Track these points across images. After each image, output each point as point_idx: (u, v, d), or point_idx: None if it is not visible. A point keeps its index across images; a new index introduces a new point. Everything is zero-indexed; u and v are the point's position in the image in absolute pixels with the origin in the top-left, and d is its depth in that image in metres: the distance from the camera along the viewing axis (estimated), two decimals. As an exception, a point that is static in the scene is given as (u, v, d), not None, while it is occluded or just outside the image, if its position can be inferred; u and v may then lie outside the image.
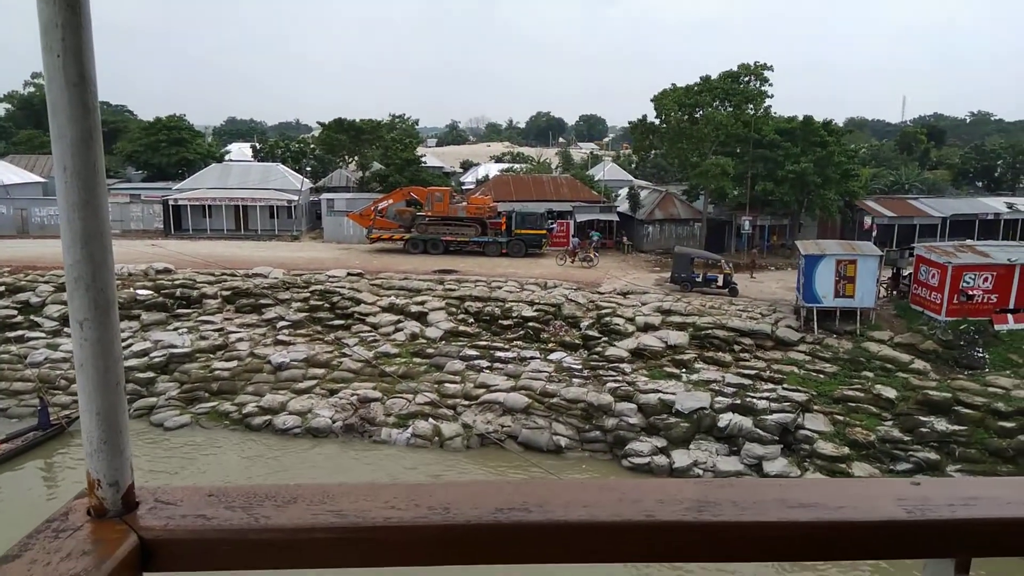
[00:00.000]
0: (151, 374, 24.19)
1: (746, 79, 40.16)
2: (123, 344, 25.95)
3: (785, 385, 22.72)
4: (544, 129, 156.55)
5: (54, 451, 20.88)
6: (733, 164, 38.13)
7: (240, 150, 70.15)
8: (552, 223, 40.33)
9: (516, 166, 66.92)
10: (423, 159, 55.97)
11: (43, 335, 26.21)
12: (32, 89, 79.82)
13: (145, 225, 40.98)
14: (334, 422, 21.99)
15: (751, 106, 40.20)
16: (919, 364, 23.45)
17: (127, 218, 41.12)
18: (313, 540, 0.99)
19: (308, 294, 29.17)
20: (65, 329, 26.53)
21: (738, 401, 21.83)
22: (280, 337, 26.47)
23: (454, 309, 28.41)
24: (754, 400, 21.82)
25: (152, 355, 24.95)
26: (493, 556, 1.01)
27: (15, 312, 27.14)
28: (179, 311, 28.02)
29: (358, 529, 0.99)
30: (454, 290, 29.77)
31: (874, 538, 1.04)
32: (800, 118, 40.34)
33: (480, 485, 1.11)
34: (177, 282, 29.33)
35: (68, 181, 0.95)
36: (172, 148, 53.87)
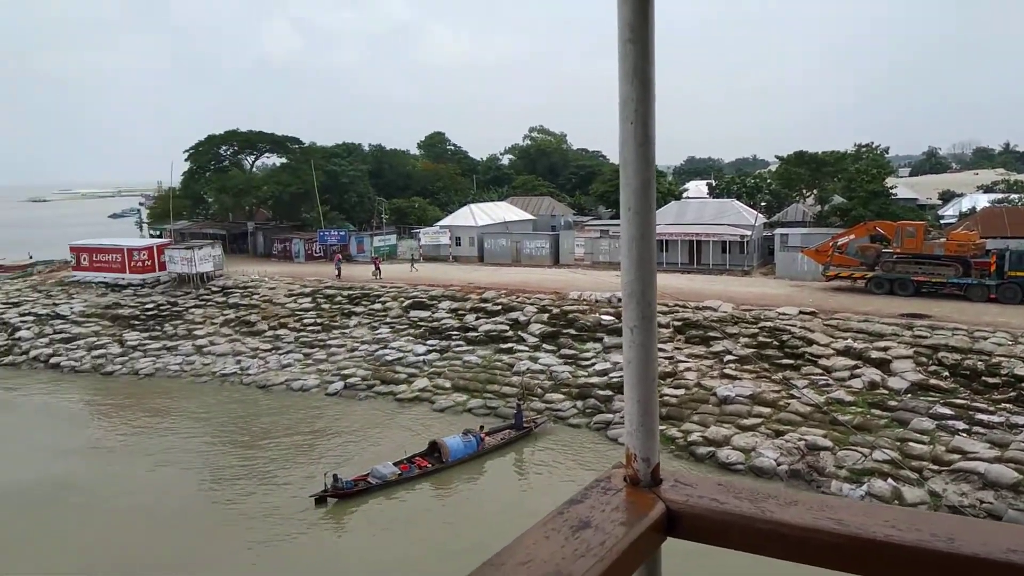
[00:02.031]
0: (609, 392, 26.50)
1: None
2: (587, 363, 28.85)
3: None
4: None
5: (523, 446, 24.21)
6: None
7: (697, 187, 72.85)
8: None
9: (1013, 196, 56.71)
10: (893, 191, 51.09)
11: (526, 349, 30.70)
12: (529, 142, 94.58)
13: (611, 257, 45.11)
14: (779, 465, 21.28)
15: None
16: None
17: (597, 251, 45.86)
18: (815, 540, 1.10)
19: (756, 330, 28.85)
20: (544, 345, 30.70)
21: None
22: (726, 371, 26.66)
23: (924, 359, 25.23)
24: None
25: (611, 375, 27.33)
26: None
27: (507, 328, 32.34)
28: (635, 338, 30.13)
29: (858, 539, 1.07)
30: (925, 337, 26.45)
31: None
32: None
33: (988, 523, 1.11)
34: (710, 319, 31.27)
35: (631, 219, 1.20)
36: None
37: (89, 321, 38.89)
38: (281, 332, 35.50)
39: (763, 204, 55.73)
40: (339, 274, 41.40)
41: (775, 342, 27.87)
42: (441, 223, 53.33)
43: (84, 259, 44.54)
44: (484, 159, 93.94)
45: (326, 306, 37.23)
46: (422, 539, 18.32)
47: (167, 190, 65.04)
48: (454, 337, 32.48)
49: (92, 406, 30.37)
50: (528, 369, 29.03)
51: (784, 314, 29.81)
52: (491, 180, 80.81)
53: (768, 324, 29.07)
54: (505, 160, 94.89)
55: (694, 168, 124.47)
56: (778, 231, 43.65)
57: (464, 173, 80.00)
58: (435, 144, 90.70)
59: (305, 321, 36.07)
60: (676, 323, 30.40)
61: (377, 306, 36.32)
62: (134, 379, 33.06)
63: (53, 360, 35.27)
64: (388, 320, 35.00)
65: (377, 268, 41.54)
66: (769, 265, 42.74)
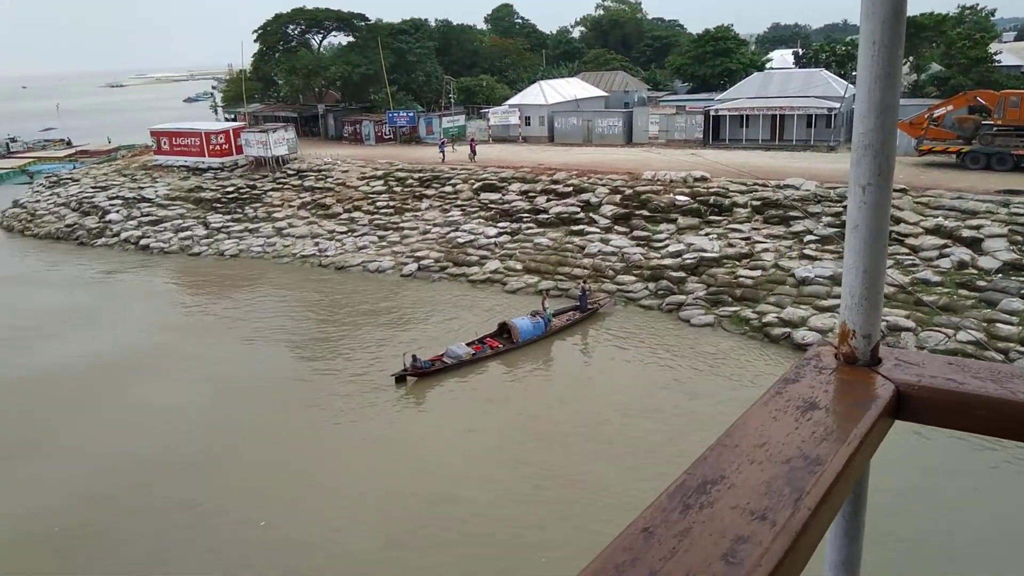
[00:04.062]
0: (682, 274, 26.23)
1: None
2: (660, 244, 28.51)
3: None
4: None
5: (589, 327, 24.48)
6: None
7: (782, 57, 68.52)
8: None
9: None
10: (997, 57, 46.96)
11: (598, 231, 30.41)
12: (601, 12, 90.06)
13: (687, 135, 43.52)
14: (856, 346, 20.91)
15: None
16: None
17: (672, 128, 44.22)
18: None
19: (840, 208, 27.70)
20: (616, 227, 30.35)
21: None
22: (806, 251, 25.92)
23: (1019, 238, 23.90)
24: None
25: (684, 257, 26.97)
26: None
27: (578, 209, 31.98)
28: (711, 218, 29.48)
29: None
30: (1022, 215, 24.94)
31: None
32: None
33: None
34: (712, 190, 30.75)
35: (875, 54, 1.05)
36: (717, 59, 55.56)
37: (174, 204, 40.35)
38: (356, 215, 36.10)
39: (854, 74, 52.16)
40: (444, 159, 40.03)
41: (859, 221, 26.74)
42: (510, 102, 52.09)
43: (164, 143, 45.66)
44: (554, 32, 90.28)
45: (397, 189, 37.47)
46: (497, 415, 19.04)
47: (238, 73, 65.29)
48: (525, 219, 32.39)
49: (183, 285, 32.02)
50: (600, 251, 28.88)
51: (870, 192, 28.42)
52: (561, 55, 77.86)
53: (892, 194, 27.76)
54: (576, 33, 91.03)
55: (778, 36, 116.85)
56: (868, 103, 40.94)
57: (533, 48, 77.25)
58: (503, 18, 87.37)
59: (378, 204, 36.49)
60: (755, 203, 29.46)
61: (447, 189, 36.34)
62: (220, 259, 34.52)
63: (143, 242, 37.03)
64: (459, 203, 35.05)
65: (473, 151, 40.00)
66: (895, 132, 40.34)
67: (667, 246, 28.04)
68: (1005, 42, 78.96)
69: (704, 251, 26.95)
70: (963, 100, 34.22)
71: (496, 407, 19.44)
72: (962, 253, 23.77)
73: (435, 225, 33.70)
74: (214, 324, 26.63)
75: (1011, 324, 20.35)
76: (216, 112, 67.98)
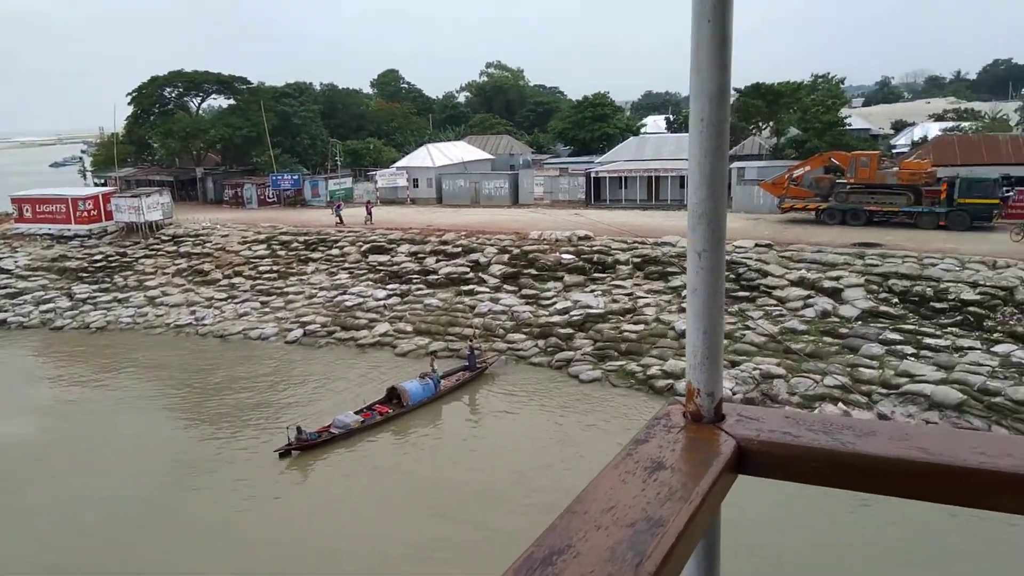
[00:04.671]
0: (570, 330, 26.69)
1: None
2: (548, 302, 29.02)
3: None
4: (1002, 79, 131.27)
5: (479, 386, 24.39)
6: None
7: (655, 123, 72.59)
8: (1009, 191, 33.89)
9: (963, 124, 57.58)
10: (847, 121, 51.45)
11: (487, 290, 30.62)
12: (486, 78, 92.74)
13: (571, 196, 44.92)
14: (734, 394, 21.77)
15: None
16: None
17: (556, 189, 45.56)
18: (900, 470, 1.05)
19: (715, 264, 29.11)
20: (505, 286, 30.67)
21: None
22: (684, 305, 26.92)
23: (875, 287, 25.82)
24: None
25: (571, 313, 27.49)
26: None
27: (468, 269, 32.16)
28: (596, 275, 30.32)
29: (948, 468, 1.03)
30: (876, 266, 27.01)
31: None
32: None
33: None
34: (595, 248, 31.70)
35: (704, 131, 1.08)
36: (595, 124, 58.09)
37: (35, 275, 37.70)
38: (236, 280, 34.85)
39: (720, 138, 55.63)
40: (341, 221, 39.17)
41: (732, 275, 28.21)
42: (397, 164, 52.34)
43: (27, 210, 42.86)
44: (440, 97, 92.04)
45: (282, 253, 36.57)
46: (385, 483, 18.47)
47: (110, 136, 62.59)
48: (414, 280, 32.24)
49: (44, 362, 29.68)
50: (490, 310, 29.03)
51: (740, 247, 30.12)
52: (447, 119, 79.32)
53: (726, 258, 29.26)
54: (462, 98, 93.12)
55: (651, 103, 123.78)
56: (735, 165, 43.79)
57: (420, 112, 78.34)
58: (389, 82, 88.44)
59: (261, 269, 35.42)
60: (635, 259, 30.57)
61: (335, 251, 35.78)
62: (85, 333, 32.30)
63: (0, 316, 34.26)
64: (346, 265, 34.54)
65: (369, 214, 39.48)
66: (728, 199, 42.89)
67: (555, 303, 28.54)
68: (855, 107, 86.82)
69: (590, 307, 27.59)
70: (819, 161, 37.09)
71: (384, 475, 18.86)
72: (825, 303, 25.39)
73: (322, 289, 32.98)
74: (77, 405, 24.72)
75: (872, 368, 21.77)
76: (85, 177, 64.63)
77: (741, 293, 27.15)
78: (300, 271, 34.91)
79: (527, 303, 29.15)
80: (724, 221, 1.14)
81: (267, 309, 32.11)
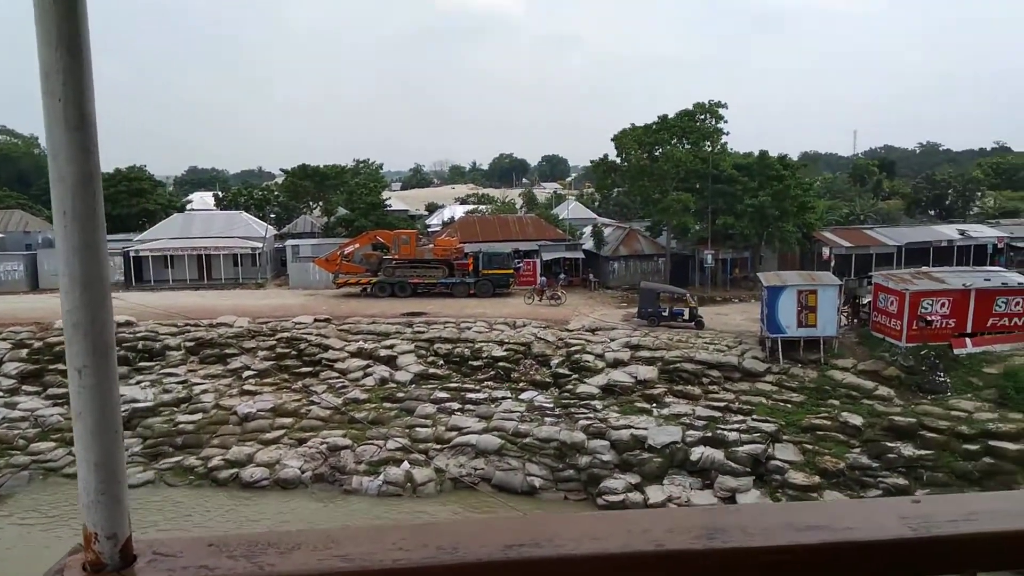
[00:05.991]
0: (113, 430, 23.53)
1: (702, 117, 41.14)
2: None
3: (754, 416, 22.92)
4: (507, 170, 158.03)
5: None
6: (693, 200, 38.90)
7: (202, 199, 69.57)
8: (519, 262, 40.56)
9: (481, 207, 67.36)
10: (388, 203, 56.10)
11: (1, 393, 25.45)
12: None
13: (122, 277, 40.23)
14: (303, 472, 21.58)
15: (708, 143, 41.17)
16: (883, 391, 23.85)
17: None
18: None
19: (274, 342, 28.81)
20: (23, 387, 25.87)
21: (709, 434, 21.95)
22: (246, 387, 26.04)
23: (424, 352, 28.27)
24: (724, 432, 21.95)
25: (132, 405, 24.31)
26: None
27: (-30, 371, 26.34)
28: (141, 364, 27.46)
29: (367, 573, 0.98)
30: (423, 332, 29.66)
31: (882, 557, 1.05)
32: (756, 154, 41.44)
33: (488, 522, 1.10)
34: (139, 334, 28.78)
35: (68, 225, 0.94)
36: (132, 199, 53.21)
37: None
38: None
39: (272, 216, 55.94)
40: None
41: (293, 352, 28.19)
42: None
43: None
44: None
45: None
46: None
47: None
48: None
49: None
50: (5, 418, 24.11)
51: (300, 323, 30.36)
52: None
53: (285, 335, 29.24)
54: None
55: (197, 179, 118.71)
56: (289, 242, 44.29)
57: None
58: None
59: None
60: (189, 343, 28.56)
61: None
62: None
63: None
64: None
65: None
66: (283, 276, 43.09)
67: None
68: (394, 191, 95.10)
69: (136, 401, 24.81)
70: (367, 238, 39.69)
71: None
72: (382, 370, 26.92)
73: None
74: None
75: (427, 427, 23.67)
76: None
77: (304, 368, 27.27)
78: None
79: (57, 404, 24.96)
80: (110, 328, 0.99)
81: None
